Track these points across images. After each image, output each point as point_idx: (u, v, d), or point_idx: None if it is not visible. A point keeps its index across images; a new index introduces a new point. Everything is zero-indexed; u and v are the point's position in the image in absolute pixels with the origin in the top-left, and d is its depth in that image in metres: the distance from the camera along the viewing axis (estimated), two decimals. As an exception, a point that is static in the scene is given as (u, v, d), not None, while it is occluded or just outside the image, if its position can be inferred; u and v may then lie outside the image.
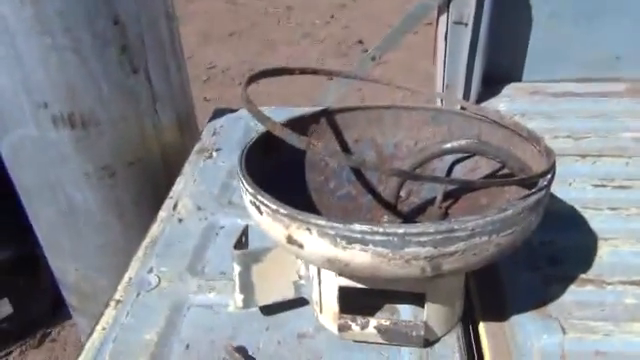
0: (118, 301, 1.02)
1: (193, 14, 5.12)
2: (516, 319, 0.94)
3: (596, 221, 1.16)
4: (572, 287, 1.00)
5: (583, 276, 1.03)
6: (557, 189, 1.24)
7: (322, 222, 0.73)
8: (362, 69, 1.63)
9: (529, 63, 1.72)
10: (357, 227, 0.71)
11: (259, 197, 0.78)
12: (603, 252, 1.08)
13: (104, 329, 0.96)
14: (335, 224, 0.72)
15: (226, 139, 1.53)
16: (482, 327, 0.95)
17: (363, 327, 0.88)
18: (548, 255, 1.08)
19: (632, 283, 1.01)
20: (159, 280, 1.06)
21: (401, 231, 0.70)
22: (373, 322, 0.88)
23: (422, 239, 0.71)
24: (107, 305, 1.01)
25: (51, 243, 1.71)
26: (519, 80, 1.75)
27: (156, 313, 0.98)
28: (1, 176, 1.61)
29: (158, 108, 1.54)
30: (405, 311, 0.93)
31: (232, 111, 1.68)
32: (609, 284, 1.01)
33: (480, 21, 1.53)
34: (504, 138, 0.99)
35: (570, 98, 1.65)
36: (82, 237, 1.61)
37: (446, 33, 1.56)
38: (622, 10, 1.61)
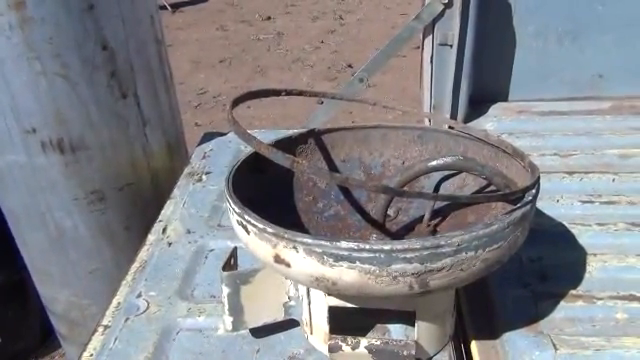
0: (106, 326, 1.00)
1: (184, 41, 5.18)
2: (507, 336, 0.94)
3: (585, 237, 1.17)
4: (562, 303, 1.01)
5: (573, 292, 1.03)
6: (545, 206, 1.24)
7: (309, 240, 0.73)
8: (350, 91, 1.64)
9: (515, 83, 1.74)
10: (344, 244, 0.71)
11: (246, 217, 0.78)
12: (592, 268, 1.09)
13: (92, 355, 0.94)
14: (322, 242, 0.72)
15: (215, 162, 1.54)
16: (474, 345, 0.94)
17: (354, 347, 0.87)
18: (538, 272, 1.08)
19: (622, 298, 1.01)
20: (148, 305, 1.05)
21: (387, 247, 0.70)
22: (364, 342, 0.87)
23: (408, 255, 0.71)
24: (95, 331, 1.00)
25: (40, 270, 1.69)
26: (505, 100, 1.77)
27: (145, 338, 0.97)
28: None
29: (147, 132, 1.54)
30: (396, 330, 0.92)
31: (221, 135, 1.68)
32: (599, 299, 1.01)
33: (465, 42, 1.55)
34: (489, 155, 1.00)
35: (556, 117, 1.67)
36: (72, 263, 1.60)
37: (432, 55, 1.58)
38: (603, 30, 1.64)
